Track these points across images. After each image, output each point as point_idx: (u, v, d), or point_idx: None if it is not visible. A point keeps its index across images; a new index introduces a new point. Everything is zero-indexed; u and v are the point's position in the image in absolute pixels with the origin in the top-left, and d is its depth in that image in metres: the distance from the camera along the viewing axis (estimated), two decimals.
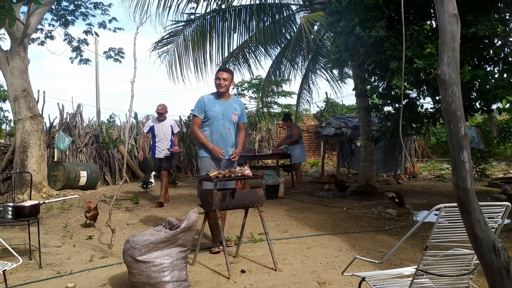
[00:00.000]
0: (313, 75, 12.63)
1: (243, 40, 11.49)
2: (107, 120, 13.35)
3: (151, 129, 7.97)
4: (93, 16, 13.25)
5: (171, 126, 7.96)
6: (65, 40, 13.28)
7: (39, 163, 8.51)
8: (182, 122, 13.84)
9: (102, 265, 4.12)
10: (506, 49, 5.90)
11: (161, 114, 7.90)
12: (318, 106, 19.75)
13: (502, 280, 1.85)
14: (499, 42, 5.90)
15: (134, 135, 12.93)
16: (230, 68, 11.94)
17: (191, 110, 4.60)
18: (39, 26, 10.99)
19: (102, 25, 13.46)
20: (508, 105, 5.43)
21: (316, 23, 9.77)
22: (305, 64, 12.37)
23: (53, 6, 11.37)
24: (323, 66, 12.60)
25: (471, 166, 1.87)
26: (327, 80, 12.95)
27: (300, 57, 12.07)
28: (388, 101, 7.22)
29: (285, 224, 5.93)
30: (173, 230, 3.32)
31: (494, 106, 6.66)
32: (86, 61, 13.82)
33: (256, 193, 4.15)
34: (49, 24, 13.01)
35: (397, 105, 7.17)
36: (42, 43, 13.04)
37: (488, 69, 6.29)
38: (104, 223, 5.79)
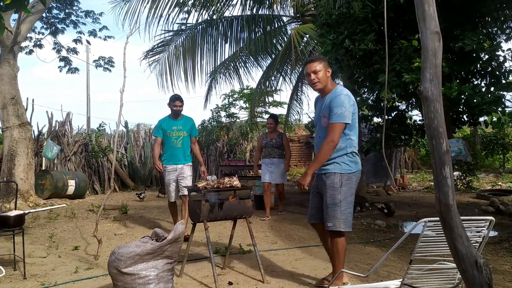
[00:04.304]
0: (303, 86, 12.68)
1: (234, 51, 11.53)
2: (97, 128, 13.27)
3: None
4: (84, 24, 13.21)
5: None
6: (54, 48, 13.22)
7: (27, 171, 8.42)
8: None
9: (87, 277, 4.06)
10: (493, 63, 6.00)
11: None
12: (309, 117, 19.83)
13: None
14: (486, 57, 6.00)
15: (124, 143, 12.85)
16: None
17: None
18: (28, 35, 10.93)
19: (92, 33, 13.42)
20: (495, 119, 5.52)
21: (306, 35, 9.84)
22: (296, 75, 12.42)
23: (43, 14, 11.33)
24: None
25: (453, 182, 1.89)
26: None
27: (290, 68, 12.13)
28: (378, 113, 7.29)
29: (274, 235, 5.91)
30: (159, 241, 3.29)
31: (481, 119, 6.75)
32: (75, 70, 13.75)
33: (244, 204, 4.14)
34: (39, 33, 12.94)
35: (386, 116, 7.24)
36: (30, 52, 12.96)
37: (476, 82, 6.38)
38: (91, 233, 5.73)
